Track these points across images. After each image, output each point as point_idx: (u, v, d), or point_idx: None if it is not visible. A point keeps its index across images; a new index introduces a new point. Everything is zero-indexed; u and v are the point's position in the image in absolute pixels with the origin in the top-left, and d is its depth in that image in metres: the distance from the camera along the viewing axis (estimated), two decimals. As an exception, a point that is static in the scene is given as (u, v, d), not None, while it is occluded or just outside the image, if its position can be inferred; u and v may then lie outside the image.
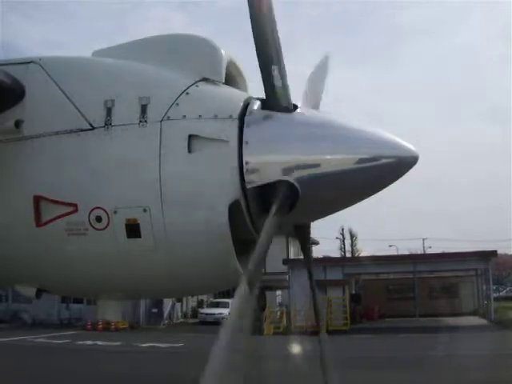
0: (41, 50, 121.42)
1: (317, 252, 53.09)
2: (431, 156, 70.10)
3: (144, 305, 36.70)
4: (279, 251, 35.89)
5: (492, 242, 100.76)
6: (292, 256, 39.35)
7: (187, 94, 3.72)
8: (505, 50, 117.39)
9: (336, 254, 63.02)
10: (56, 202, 3.74)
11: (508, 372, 13.13)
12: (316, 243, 52.52)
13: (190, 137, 3.58)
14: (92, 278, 3.97)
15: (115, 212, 3.63)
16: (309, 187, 3.51)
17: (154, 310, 37.14)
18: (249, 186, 3.51)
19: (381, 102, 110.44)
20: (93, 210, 3.66)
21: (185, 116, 3.63)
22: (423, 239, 65.54)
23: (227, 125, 3.59)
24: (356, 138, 3.59)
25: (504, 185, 77.00)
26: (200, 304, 43.99)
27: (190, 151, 3.57)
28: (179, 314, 41.76)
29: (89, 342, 24.07)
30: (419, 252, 56.98)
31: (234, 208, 3.55)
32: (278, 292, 38.95)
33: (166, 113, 3.65)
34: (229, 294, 42.29)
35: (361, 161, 3.52)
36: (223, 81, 3.91)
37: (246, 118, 3.62)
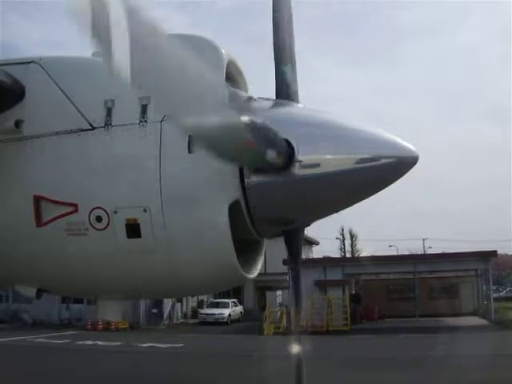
0: (41, 50, 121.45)
1: (317, 252, 53.20)
2: (431, 156, 70.11)
3: (144, 305, 36.69)
4: (279, 251, 35.60)
5: (492, 242, 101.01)
6: (292, 256, 39.20)
7: None
8: (505, 50, 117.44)
9: (336, 254, 63.03)
10: (56, 202, 3.74)
11: (508, 372, 13.14)
12: (316, 243, 52.56)
13: (190, 137, 3.59)
14: (92, 278, 3.97)
15: (115, 212, 3.63)
16: (309, 195, 3.54)
17: (154, 311, 37.12)
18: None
19: (381, 102, 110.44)
20: (93, 209, 3.67)
21: None
22: (423, 239, 65.69)
23: None
24: (356, 138, 3.59)
25: (504, 185, 76.96)
26: (200, 304, 43.96)
27: (190, 151, 3.57)
28: (179, 314, 41.73)
29: (89, 342, 24.07)
30: (419, 252, 57.08)
31: (234, 208, 3.56)
32: (279, 292, 38.92)
33: None
34: (229, 294, 41.97)
35: (361, 161, 3.53)
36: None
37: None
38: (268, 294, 38.42)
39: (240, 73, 4.23)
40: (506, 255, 61.75)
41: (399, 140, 3.61)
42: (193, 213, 3.60)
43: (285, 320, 31.36)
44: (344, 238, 67.91)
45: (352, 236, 67.70)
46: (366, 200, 3.87)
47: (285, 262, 34.65)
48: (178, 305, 41.32)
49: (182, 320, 41.30)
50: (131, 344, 23.43)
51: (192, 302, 43.70)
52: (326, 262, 36.53)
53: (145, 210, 3.59)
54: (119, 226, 3.64)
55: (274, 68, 3.83)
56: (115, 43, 2.49)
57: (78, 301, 35.68)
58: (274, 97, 3.85)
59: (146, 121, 3.66)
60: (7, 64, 4.03)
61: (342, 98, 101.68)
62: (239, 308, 43.21)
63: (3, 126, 3.84)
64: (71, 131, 3.77)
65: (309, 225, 4.23)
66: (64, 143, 3.78)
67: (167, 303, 37.78)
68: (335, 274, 33.23)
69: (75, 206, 3.69)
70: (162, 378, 14.29)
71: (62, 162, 3.81)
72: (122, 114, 3.72)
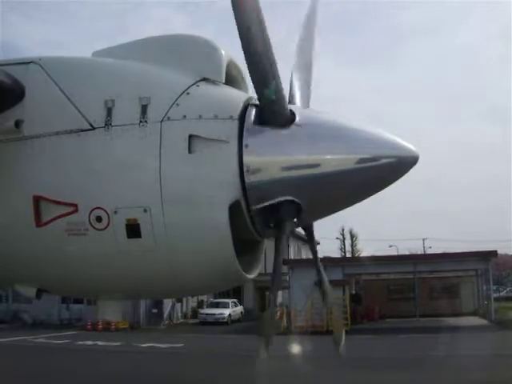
0: (41, 50, 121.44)
1: (317, 252, 52.98)
2: (431, 156, 70.06)
3: (144, 305, 36.68)
4: (279, 251, 35.74)
5: (492, 242, 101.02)
6: (292, 256, 39.32)
7: (187, 94, 3.72)
8: (505, 49, 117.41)
9: (336, 254, 63.04)
10: (56, 202, 3.74)
11: (508, 372, 13.13)
12: (316, 243, 52.52)
13: (191, 137, 3.58)
14: (92, 278, 3.97)
15: (115, 212, 3.63)
16: (309, 195, 3.56)
17: (154, 311, 37.11)
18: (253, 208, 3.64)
19: (381, 102, 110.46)
20: (93, 210, 3.67)
21: (185, 116, 3.63)
22: (423, 239, 65.70)
23: (227, 125, 3.60)
24: (356, 138, 3.59)
25: (504, 185, 76.96)
26: (200, 304, 43.95)
27: (190, 151, 3.57)
28: (179, 314, 41.72)
29: (89, 342, 24.04)
30: (419, 252, 57.03)
31: (234, 208, 3.56)
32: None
33: (166, 113, 3.65)
34: (229, 294, 41.96)
35: (361, 161, 3.53)
36: (223, 81, 3.91)
37: (247, 119, 3.63)
38: (268, 294, 38.35)
39: (240, 73, 4.23)
40: (506, 255, 61.74)
41: (399, 140, 3.61)
42: (193, 213, 3.59)
43: (285, 320, 31.35)
44: (344, 238, 68.02)
45: (352, 236, 67.83)
46: (366, 200, 3.88)
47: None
48: (178, 305, 41.31)
49: (182, 320, 41.30)
50: (131, 344, 23.40)
51: (192, 302, 43.68)
52: (326, 262, 36.32)
53: (145, 210, 3.59)
54: (119, 226, 3.64)
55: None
56: None
57: (78, 301, 35.68)
58: None
59: (146, 121, 3.66)
60: (7, 64, 4.03)
61: (341, 98, 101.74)
62: (239, 308, 43.18)
63: (3, 125, 3.84)
64: (71, 131, 3.77)
65: (311, 224, 4.23)
66: (64, 143, 3.78)
67: (167, 303, 37.77)
68: (335, 274, 33.12)
69: (75, 206, 3.69)
70: (161, 378, 14.27)
71: (61, 162, 3.81)
72: (122, 114, 3.72)
